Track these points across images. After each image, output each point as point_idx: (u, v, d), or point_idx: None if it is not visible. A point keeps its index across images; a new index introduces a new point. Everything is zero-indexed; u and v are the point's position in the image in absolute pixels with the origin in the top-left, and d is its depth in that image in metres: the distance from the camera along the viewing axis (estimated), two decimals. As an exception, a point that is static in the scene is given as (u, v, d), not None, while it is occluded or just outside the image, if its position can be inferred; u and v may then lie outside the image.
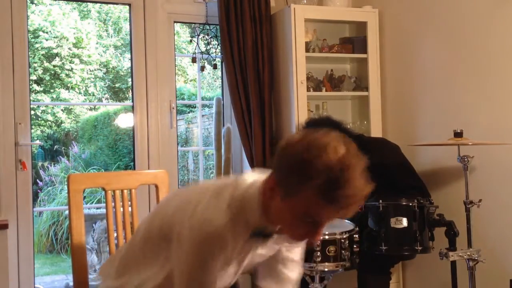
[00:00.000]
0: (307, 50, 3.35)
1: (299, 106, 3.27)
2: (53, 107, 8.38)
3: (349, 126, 3.46)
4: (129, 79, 4.49)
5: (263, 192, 1.29)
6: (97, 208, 5.80)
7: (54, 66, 8.08)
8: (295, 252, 1.56)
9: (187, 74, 8.86)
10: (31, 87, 4.04)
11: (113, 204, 1.97)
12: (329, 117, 3.04)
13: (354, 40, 3.53)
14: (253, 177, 1.38)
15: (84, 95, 8.45)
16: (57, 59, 8.07)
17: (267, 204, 1.29)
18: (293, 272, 1.58)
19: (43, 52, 7.98)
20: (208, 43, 3.52)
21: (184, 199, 1.43)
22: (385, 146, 3.00)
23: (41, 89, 8.07)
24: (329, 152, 1.15)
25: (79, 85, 8.35)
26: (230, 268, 1.41)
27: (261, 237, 1.38)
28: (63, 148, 7.73)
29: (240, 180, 1.38)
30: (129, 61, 3.54)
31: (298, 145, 1.19)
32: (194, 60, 3.51)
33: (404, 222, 2.51)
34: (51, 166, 7.18)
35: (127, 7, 3.42)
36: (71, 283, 1.89)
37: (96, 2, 7.67)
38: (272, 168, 1.28)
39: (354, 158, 1.21)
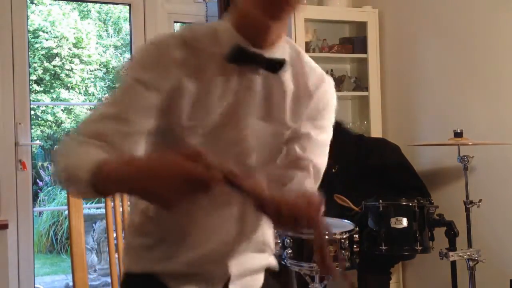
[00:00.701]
0: (307, 50, 3.35)
1: (299, 106, 3.26)
2: (53, 107, 8.38)
3: (349, 126, 3.46)
4: (129, 79, 4.49)
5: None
6: (97, 208, 5.79)
7: (54, 66, 8.08)
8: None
9: (187, 74, 8.84)
10: (31, 87, 4.04)
11: (112, 204, 1.97)
12: None
13: (354, 40, 3.53)
14: None
15: (84, 95, 8.45)
16: (57, 59, 8.07)
17: (238, 15, 1.15)
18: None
19: (43, 52, 7.98)
20: (208, 43, 3.52)
21: None
22: (385, 147, 3.01)
23: (41, 89, 8.06)
24: None
25: (79, 85, 8.34)
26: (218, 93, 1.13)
27: (241, 56, 1.12)
28: (63, 148, 7.72)
29: None
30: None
31: None
32: (194, 60, 3.51)
33: (404, 222, 2.50)
34: (51, 166, 7.17)
35: (127, 7, 3.42)
36: (71, 283, 1.89)
37: (96, 2, 7.67)
38: None
39: None
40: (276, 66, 1.16)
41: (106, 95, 1.14)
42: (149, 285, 1.23)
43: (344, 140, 2.95)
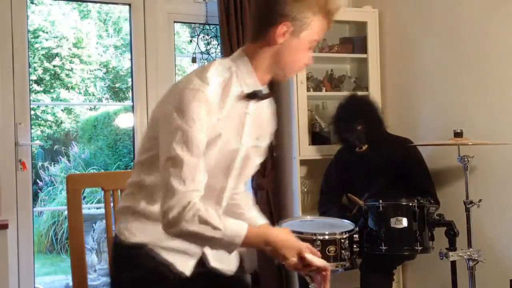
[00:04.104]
0: (307, 50, 3.35)
1: (299, 106, 3.26)
2: (53, 107, 8.38)
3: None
4: (129, 79, 4.50)
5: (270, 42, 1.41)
6: (97, 208, 5.79)
7: (54, 66, 8.08)
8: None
9: (187, 74, 8.83)
10: (31, 87, 4.04)
11: (112, 204, 1.97)
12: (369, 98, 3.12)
13: (354, 40, 3.53)
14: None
15: (84, 95, 8.45)
16: (57, 59, 8.06)
17: (260, 62, 1.44)
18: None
19: (43, 52, 7.97)
20: (208, 43, 3.52)
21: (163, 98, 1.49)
22: (410, 146, 2.93)
23: (41, 89, 8.06)
24: None
25: (79, 85, 8.34)
26: (229, 143, 1.43)
27: (257, 97, 1.47)
28: (63, 148, 7.72)
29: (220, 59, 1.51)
30: (129, 61, 3.54)
31: None
32: (194, 60, 3.51)
33: (404, 222, 2.50)
34: (51, 166, 7.17)
35: (127, 7, 3.42)
36: (71, 283, 1.89)
37: (96, 2, 7.65)
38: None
39: None
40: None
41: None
42: (143, 254, 1.46)
43: (374, 121, 2.94)
